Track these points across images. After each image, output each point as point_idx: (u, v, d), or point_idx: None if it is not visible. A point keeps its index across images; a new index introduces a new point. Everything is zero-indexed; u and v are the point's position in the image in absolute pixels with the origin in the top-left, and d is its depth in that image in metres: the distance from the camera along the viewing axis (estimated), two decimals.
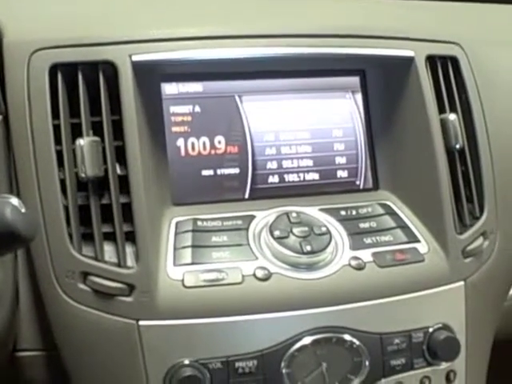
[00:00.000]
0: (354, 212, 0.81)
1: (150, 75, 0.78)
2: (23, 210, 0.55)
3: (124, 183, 0.72)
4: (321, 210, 0.80)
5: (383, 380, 0.75)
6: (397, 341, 0.75)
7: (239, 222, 0.77)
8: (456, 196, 0.82)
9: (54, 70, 0.72)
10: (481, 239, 0.82)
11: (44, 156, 0.71)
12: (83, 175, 0.70)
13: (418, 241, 0.79)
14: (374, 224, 0.80)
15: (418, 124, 0.82)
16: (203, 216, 0.77)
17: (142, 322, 0.69)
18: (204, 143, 0.80)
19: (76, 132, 0.72)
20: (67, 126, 0.72)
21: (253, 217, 0.78)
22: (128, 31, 0.75)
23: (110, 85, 0.73)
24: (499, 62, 0.92)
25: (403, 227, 0.80)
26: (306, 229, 0.75)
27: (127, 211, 0.71)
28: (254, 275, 0.72)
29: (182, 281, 0.70)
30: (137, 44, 0.75)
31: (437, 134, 0.81)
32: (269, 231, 0.75)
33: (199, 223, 0.76)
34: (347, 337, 0.73)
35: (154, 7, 0.85)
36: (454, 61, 0.85)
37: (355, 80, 0.87)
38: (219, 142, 0.81)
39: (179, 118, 0.80)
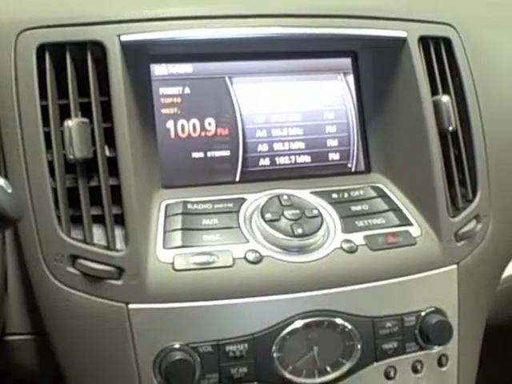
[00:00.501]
0: (345, 195, 0.80)
1: (139, 56, 0.76)
2: (9, 191, 0.54)
3: (113, 165, 0.71)
4: (312, 192, 0.80)
5: (375, 364, 0.75)
6: (389, 324, 0.74)
7: (230, 204, 0.76)
8: (449, 179, 0.81)
9: (41, 50, 0.71)
10: (473, 222, 0.81)
11: (32, 137, 0.70)
12: (71, 157, 0.69)
13: (411, 224, 0.79)
14: (366, 207, 0.79)
15: (411, 106, 0.81)
16: (193, 199, 0.76)
17: (131, 306, 0.68)
18: (194, 125, 0.79)
19: (64, 113, 0.71)
20: (55, 107, 0.71)
21: (244, 200, 0.77)
22: (117, 11, 0.74)
23: (98, 65, 0.72)
24: (493, 44, 0.91)
25: (395, 210, 0.80)
26: (298, 212, 0.75)
27: (116, 194, 0.70)
28: (245, 258, 0.71)
29: (172, 264, 0.70)
30: (126, 24, 0.73)
31: (429, 116, 0.80)
32: (260, 214, 0.74)
33: (189, 206, 0.75)
34: (339, 320, 0.72)
35: None
36: (447, 42, 0.84)
37: (347, 61, 0.86)
38: (209, 124, 0.80)
39: (169, 100, 0.79)
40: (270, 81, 0.83)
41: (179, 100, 0.79)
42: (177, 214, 0.74)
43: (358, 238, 0.76)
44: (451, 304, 0.78)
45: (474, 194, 0.82)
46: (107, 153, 0.71)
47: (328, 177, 0.83)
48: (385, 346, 0.74)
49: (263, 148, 0.82)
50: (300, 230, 0.73)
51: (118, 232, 0.70)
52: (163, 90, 0.79)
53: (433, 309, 0.77)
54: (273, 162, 0.82)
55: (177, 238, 0.72)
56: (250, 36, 0.78)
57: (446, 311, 0.77)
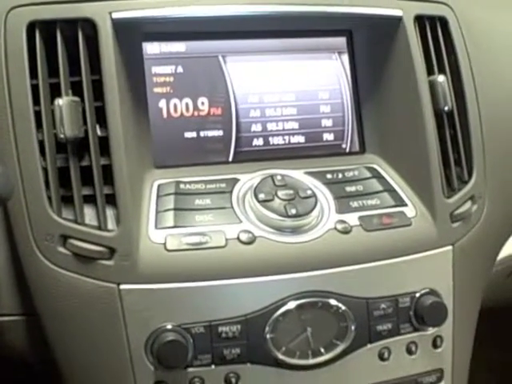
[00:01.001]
0: (340, 175, 0.79)
1: (131, 34, 0.75)
2: None
3: (104, 145, 0.70)
4: (306, 173, 0.79)
5: (369, 345, 0.74)
6: (383, 306, 0.74)
7: (223, 184, 0.75)
8: (444, 160, 0.80)
9: (31, 28, 0.69)
10: (469, 203, 0.80)
11: (22, 117, 0.68)
12: (62, 136, 0.68)
13: (406, 205, 0.78)
14: (360, 187, 0.78)
15: (406, 86, 0.80)
16: (186, 179, 0.75)
17: (123, 286, 0.68)
18: (187, 104, 0.78)
19: (55, 93, 0.70)
20: (46, 86, 0.70)
21: (237, 180, 0.76)
22: None
23: (89, 43, 0.71)
24: (489, 24, 0.90)
25: (390, 191, 0.79)
26: (291, 192, 0.74)
27: (108, 173, 0.69)
28: (238, 239, 0.71)
29: (164, 244, 0.69)
30: (117, 1, 0.72)
31: (425, 96, 0.79)
32: (253, 194, 0.73)
33: (182, 186, 0.74)
34: (333, 301, 0.72)
35: None
36: (444, 21, 0.83)
37: (342, 41, 0.84)
38: (202, 104, 0.79)
39: (161, 79, 0.78)
40: (263, 60, 0.82)
41: (172, 79, 0.78)
42: (169, 194, 0.73)
43: (352, 218, 0.75)
44: (446, 285, 0.78)
45: (470, 175, 0.82)
46: (98, 132, 0.70)
47: (322, 157, 0.82)
48: (379, 328, 0.74)
49: (257, 128, 0.81)
50: (294, 211, 0.72)
51: (110, 212, 0.69)
52: (155, 69, 0.78)
53: (427, 290, 0.76)
54: (266, 142, 0.81)
55: (169, 218, 0.71)
56: (243, 14, 0.76)
57: (440, 292, 0.77)
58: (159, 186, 0.74)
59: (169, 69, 0.78)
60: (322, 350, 0.72)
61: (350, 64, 0.85)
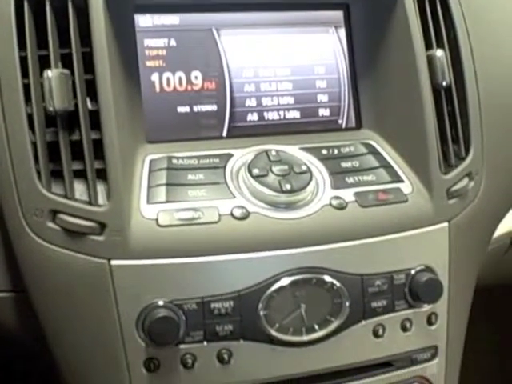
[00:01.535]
0: (335, 151, 0.78)
1: (123, 5, 0.74)
2: None
3: (95, 119, 0.68)
4: (301, 148, 0.78)
5: (363, 322, 0.73)
6: (378, 282, 0.73)
7: (216, 160, 0.74)
8: (441, 136, 0.79)
9: None
10: (466, 180, 0.79)
11: (10, 90, 0.67)
12: (51, 109, 0.67)
13: (402, 181, 0.77)
14: (356, 163, 0.77)
15: (404, 60, 0.79)
16: (178, 154, 0.74)
17: (113, 262, 0.67)
18: (180, 78, 0.77)
19: (44, 65, 0.68)
20: (34, 58, 0.68)
21: (230, 155, 0.75)
22: None
23: (79, 15, 0.69)
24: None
25: (386, 167, 0.78)
26: (286, 167, 0.73)
27: (98, 148, 0.68)
28: (232, 214, 0.70)
29: (156, 220, 0.68)
30: None
31: (423, 71, 0.77)
32: (247, 169, 0.72)
33: (174, 161, 0.73)
34: (327, 278, 0.71)
35: None
36: None
37: (338, 14, 0.83)
38: (196, 78, 0.78)
39: (154, 52, 0.77)
40: (258, 33, 0.80)
41: (165, 52, 0.77)
42: (161, 169, 0.72)
43: (347, 194, 0.74)
44: (442, 262, 0.77)
45: (467, 152, 0.81)
46: (89, 105, 0.69)
47: (318, 133, 0.81)
48: (373, 304, 0.73)
49: (251, 103, 0.79)
50: (288, 186, 0.71)
51: (101, 187, 0.68)
52: (148, 42, 0.76)
53: (423, 267, 0.75)
54: (261, 118, 0.80)
55: (161, 193, 0.70)
56: None
57: (436, 269, 0.76)
58: (151, 160, 0.73)
59: (161, 42, 0.77)
60: (316, 327, 0.71)
61: (347, 38, 0.83)
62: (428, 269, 0.76)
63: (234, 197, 0.71)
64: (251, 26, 0.80)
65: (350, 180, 0.75)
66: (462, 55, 0.81)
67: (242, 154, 0.75)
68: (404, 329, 0.76)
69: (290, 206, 0.71)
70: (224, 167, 0.73)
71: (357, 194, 0.74)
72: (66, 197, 0.67)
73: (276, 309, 0.70)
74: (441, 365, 0.79)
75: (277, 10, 0.81)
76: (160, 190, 0.70)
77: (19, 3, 0.68)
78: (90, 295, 0.67)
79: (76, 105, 0.68)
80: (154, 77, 0.76)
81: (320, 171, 0.76)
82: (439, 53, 0.79)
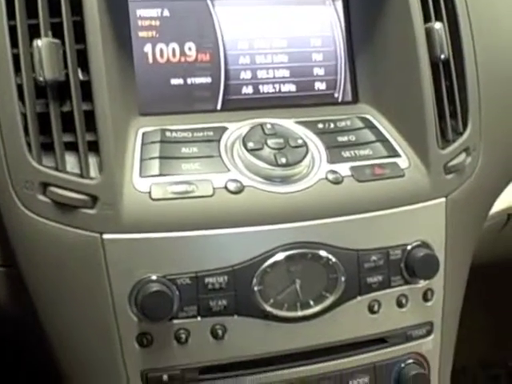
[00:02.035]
0: (331, 125, 0.77)
1: None
2: None
3: (86, 90, 0.67)
4: (297, 122, 0.76)
5: (359, 297, 0.73)
6: (374, 258, 0.72)
7: (210, 133, 0.73)
8: (439, 110, 0.78)
9: None
10: (463, 155, 0.78)
11: None
12: (41, 79, 0.65)
13: (399, 155, 0.76)
14: (352, 137, 0.76)
15: (402, 33, 0.77)
16: (172, 127, 0.73)
17: (106, 236, 0.66)
18: (173, 50, 0.76)
19: (34, 35, 0.66)
20: (24, 27, 0.66)
21: (225, 128, 0.74)
22: None
23: None
24: None
25: (383, 141, 0.77)
26: (281, 141, 0.72)
27: (90, 120, 0.67)
28: (226, 188, 0.69)
29: (149, 193, 0.67)
30: None
31: (421, 44, 0.76)
32: (242, 143, 0.71)
33: (168, 134, 0.72)
34: (323, 253, 0.70)
35: None
36: None
37: None
38: (189, 49, 0.76)
39: (147, 22, 0.75)
40: (254, 4, 0.79)
41: (158, 23, 0.75)
42: (154, 142, 0.70)
43: (343, 168, 0.73)
44: (438, 238, 0.76)
45: (465, 127, 0.80)
46: (80, 76, 0.67)
47: (313, 107, 0.80)
48: (369, 280, 0.72)
49: (246, 75, 0.78)
50: (284, 160, 0.70)
51: (92, 160, 0.67)
52: (141, 12, 0.75)
53: (419, 242, 0.75)
54: (256, 91, 0.79)
55: (154, 166, 0.69)
56: None
57: (432, 245, 0.75)
58: (144, 133, 0.71)
59: (154, 12, 0.75)
60: (311, 303, 0.71)
61: (344, 10, 0.82)
62: (424, 244, 0.75)
63: (229, 170, 0.70)
64: None
65: (347, 154, 0.74)
66: (461, 28, 0.80)
67: (236, 128, 0.74)
68: (400, 305, 0.75)
69: (285, 180, 0.70)
70: (218, 140, 0.72)
71: (353, 169, 0.73)
72: (56, 169, 0.66)
73: (271, 284, 0.69)
74: (436, 341, 0.79)
75: None
76: (153, 163, 0.69)
77: None
78: (81, 270, 0.66)
79: (67, 75, 0.67)
80: (147, 48, 0.75)
81: (316, 145, 0.74)
82: (438, 25, 0.78)
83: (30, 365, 0.94)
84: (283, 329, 0.70)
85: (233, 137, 0.73)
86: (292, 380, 0.72)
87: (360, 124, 0.78)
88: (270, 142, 0.71)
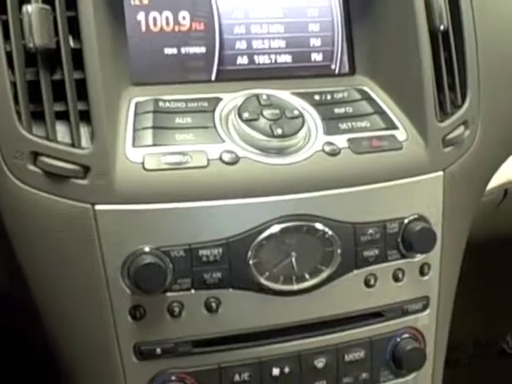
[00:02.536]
0: (328, 97, 0.76)
1: None
2: None
3: (78, 58, 0.65)
4: (293, 93, 0.75)
5: (355, 271, 0.72)
6: (371, 231, 0.71)
7: (205, 103, 0.71)
8: (438, 82, 0.77)
9: None
10: (462, 128, 0.77)
11: None
12: (31, 45, 0.63)
13: (397, 128, 0.75)
14: (349, 109, 0.75)
15: (401, 3, 0.76)
16: (165, 97, 0.71)
17: (98, 207, 0.64)
18: (167, 18, 0.74)
19: (24, 1, 0.65)
20: None
21: (219, 99, 0.72)
22: None
23: None
24: None
25: (381, 113, 0.76)
26: (277, 112, 0.70)
27: (82, 89, 0.65)
28: (221, 159, 0.67)
29: (142, 163, 0.65)
30: None
31: (420, 14, 0.75)
32: (237, 113, 0.70)
33: (161, 104, 0.70)
34: (319, 226, 0.69)
35: None
36: None
37: None
38: (183, 18, 0.74)
39: None
40: None
41: None
42: (147, 112, 0.69)
43: (340, 140, 0.72)
44: (435, 212, 0.75)
45: (463, 99, 0.79)
46: (71, 43, 0.66)
47: (310, 78, 0.78)
48: (366, 253, 0.71)
49: (241, 45, 0.76)
50: (280, 131, 0.69)
51: (84, 129, 0.65)
52: None
53: (416, 216, 0.74)
54: (251, 61, 0.77)
55: (147, 136, 0.67)
56: None
57: (429, 219, 0.74)
58: (137, 103, 0.70)
59: None
60: (307, 276, 0.70)
61: None
62: (421, 218, 0.74)
63: (224, 141, 0.69)
64: None
65: (344, 126, 0.73)
66: None
67: (231, 98, 0.72)
68: (396, 279, 0.74)
69: (281, 152, 0.69)
70: (213, 111, 0.71)
71: (350, 141, 0.72)
72: (47, 139, 0.64)
73: (266, 257, 0.68)
74: (432, 316, 0.78)
75: None
76: (146, 133, 0.67)
77: None
78: (73, 241, 0.65)
79: (58, 43, 0.65)
80: (140, 16, 0.73)
81: (312, 117, 0.73)
82: None
83: (21, 345, 0.92)
84: (278, 302, 0.70)
85: (228, 107, 0.71)
86: (287, 354, 0.71)
87: (357, 96, 0.77)
88: (266, 112, 0.70)
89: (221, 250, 0.67)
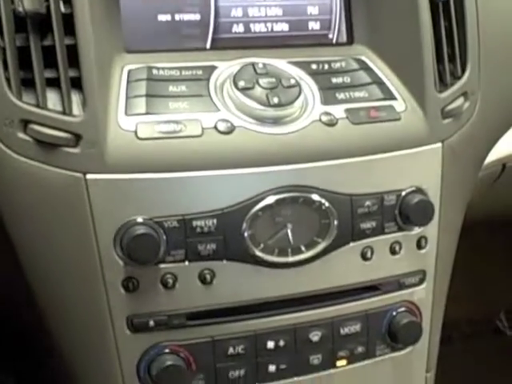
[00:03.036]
0: (325, 66, 0.74)
1: None
2: None
3: (69, 24, 0.64)
4: (290, 62, 0.73)
5: (352, 244, 0.71)
6: (368, 203, 0.70)
7: (199, 72, 0.70)
8: (437, 53, 0.75)
9: None
10: (461, 99, 0.76)
11: None
12: (21, 9, 0.61)
13: (395, 98, 0.74)
14: (347, 79, 0.74)
15: None
16: (159, 64, 0.69)
17: (89, 176, 0.63)
18: None
19: None
20: None
21: (214, 67, 0.71)
22: None
23: None
24: None
25: (379, 83, 0.74)
26: (274, 80, 0.69)
27: (73, 55, 0.64)
28: (216, 128, 0.66)
29: (135, 132, 0.64)
30: None
31: None
32: (232, 82, 0.68)
33: (154, 71, 0.69)
34: (315, 197, 0.68)
35: None
36: None
37: None
38: None
39: None
40: None
41: None
42: (141, 80, 0.67)
43: (338, 110, 0.70)
44: (434, 184, 0.74)
45: (463, 71, 0.78)
46: (62, 8, 0.64)
47: (307, 47, 0.77)
48: (362, 226, 0.70)
49: (237, 13, 0.75)
50: (276, 100, 0.67)
51: (75, 97, 0.64)
52: None
53: (414, 188, 0.73)
54: (247, 29, 0.75)
55: (140, 104, 0.66)
56: None
57: (427, 191, 0.73)
58: (130, 71, 0.68)
59: None
60: (303, 248, 0.69)
61: None
62: (419, 190, 0.73)
63: (219, 110, 0.67)
64: None
65: (341, 96, 0.72)
66: None
67: (226, 67, 0.71)
68: (393, 252, 0.73)
69: (277, 121, 0.68)
70: (208, 79, 0.69)
71: (348, 111, 0.71)
72: (37, 106, 0.63)
73: (261, 228, 0.67)
74: (428, 290, 0.78)
75: None
76: (139, 101, 0.66)
77: None
78: (64, 211, 0.64)
79: (48, 7, 0.63)
80: None
81: (309, 86, 0.72)
82: None
83: (15, 323, 0.91)
84: (273, 274, 0.69)
85: (223, 76, 0.70)
86: (282, 327, 0.71)
87: (355, 65, 0.75)
88: (262, 81, 0.68)
89: (215, 221, 0.65)
